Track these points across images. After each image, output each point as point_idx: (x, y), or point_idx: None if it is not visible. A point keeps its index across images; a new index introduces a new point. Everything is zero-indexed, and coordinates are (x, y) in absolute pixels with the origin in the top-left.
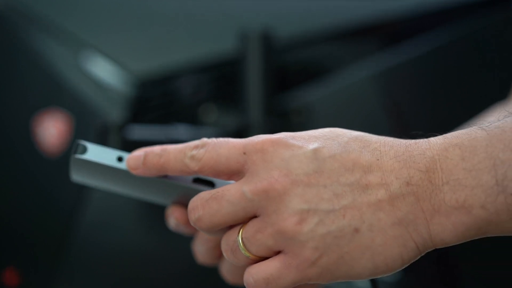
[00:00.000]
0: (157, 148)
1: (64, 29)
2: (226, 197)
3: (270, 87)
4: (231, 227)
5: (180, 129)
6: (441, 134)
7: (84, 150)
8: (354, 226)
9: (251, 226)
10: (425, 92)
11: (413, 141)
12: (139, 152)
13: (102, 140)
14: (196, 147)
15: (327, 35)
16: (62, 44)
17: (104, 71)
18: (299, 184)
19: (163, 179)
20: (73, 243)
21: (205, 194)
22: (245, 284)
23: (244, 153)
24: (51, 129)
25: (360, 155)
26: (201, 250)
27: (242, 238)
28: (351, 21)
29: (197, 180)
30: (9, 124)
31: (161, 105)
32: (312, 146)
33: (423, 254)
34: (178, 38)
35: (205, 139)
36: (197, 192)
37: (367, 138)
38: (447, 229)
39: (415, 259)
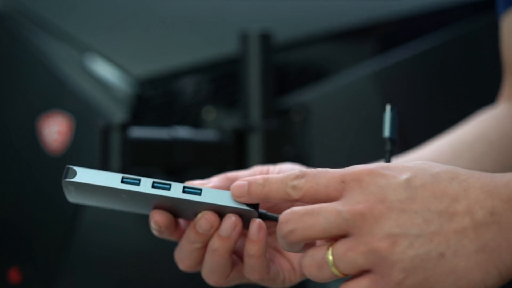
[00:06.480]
0: (259, 178)
1: (67, 30)
2: (322, 214)
3: (269, 87)
4: (307, 245)
5: (180, 130)
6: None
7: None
8: (440, 251)
9: (342, 244)
10: (422, 92)
11: (499, 174)
12: (242, 182)
13: (105, 139)
14: (297, 177)
15: (326, 35)
16: (65, 45)
17: (106, 71)
18: (393, 209)
19: (147, 193)
20: (74, 242)
21: (299, 209)
22: None
23: (343, 182)
24: (55, 129)
25: (449, 185)
26: (185, 254)
27: (332, 255)
28: (350, 22)
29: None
30: (12, 125)
31: (161, 105)
32: (405, 176)
33: (506, 281)
34: (178, 39)
35: (304, 170)
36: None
37: (457, 170)
38: None
39: (498, 286)
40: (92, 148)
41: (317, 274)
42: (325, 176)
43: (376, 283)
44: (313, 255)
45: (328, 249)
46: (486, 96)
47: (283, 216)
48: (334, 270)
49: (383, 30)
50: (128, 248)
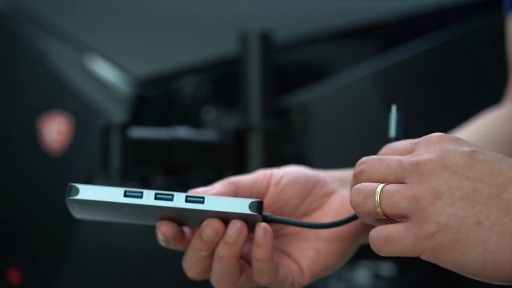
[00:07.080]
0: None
1: (67, 31)
2: (387, 161)
3: (269, 87)
4: None
5: (180, 130)
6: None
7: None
8: (478, 219)
9: (394, 186)
10: (422, 92)
11: None
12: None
13: (105, 139)
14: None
15: (326, 35)
16: (65, 45)
17: (106, 71)
18: (447, 169)
19: (153, 206)
20: (74, 242)
21: (374, 156)
22: (369, 237)
23: (415, 144)
24: (55, 129)
25: (509, 169)
26: (192, 263)
27: (381, 191)
28: (350, 22)
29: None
30: (12, 125)
31: (161, 105)
32: (472, 148)
33: None
34: (178, 39)
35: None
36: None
37: None
38: None
39: None
40: (92, 148)
41: (361, 202)
42: (403, 142)
43: (410, 230)
44: (366, 185)
45: (379, 185)
46: (486, 96)
47: (361, 159)
48: (377, 207)
49: (383, 30)
50: (128, 248)
